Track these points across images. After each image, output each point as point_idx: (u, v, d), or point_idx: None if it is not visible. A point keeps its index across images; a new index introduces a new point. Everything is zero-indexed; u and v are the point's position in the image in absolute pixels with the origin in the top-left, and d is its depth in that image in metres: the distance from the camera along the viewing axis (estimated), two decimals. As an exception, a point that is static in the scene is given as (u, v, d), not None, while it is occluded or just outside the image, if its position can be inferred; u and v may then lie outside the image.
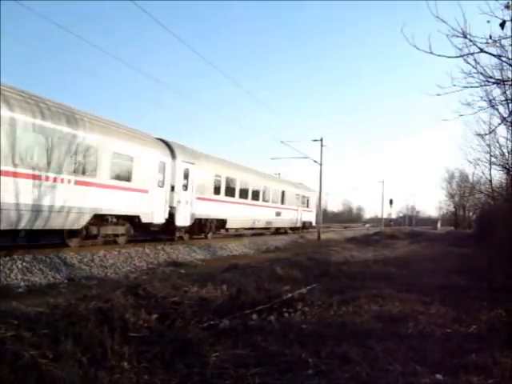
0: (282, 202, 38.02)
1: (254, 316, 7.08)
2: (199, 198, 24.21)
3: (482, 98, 11.68)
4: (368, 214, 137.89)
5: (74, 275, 13.13)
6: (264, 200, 34.06)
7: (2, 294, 9.79)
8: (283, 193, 38.32)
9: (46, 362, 4.72)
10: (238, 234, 33.40)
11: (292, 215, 40.58)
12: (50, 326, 5.84)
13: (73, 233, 16.15)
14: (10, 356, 4.76)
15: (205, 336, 6.02)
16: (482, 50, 8.05)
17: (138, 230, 20.29)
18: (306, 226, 44.92)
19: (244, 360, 5.29)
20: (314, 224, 47.47)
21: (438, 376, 4.82)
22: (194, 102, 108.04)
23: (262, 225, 34.43)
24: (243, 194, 30.30)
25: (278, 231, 39.22)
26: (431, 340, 6.16)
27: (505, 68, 10.76)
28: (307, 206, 45.36)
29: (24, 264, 12.67)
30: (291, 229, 41.50)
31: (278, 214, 36.87)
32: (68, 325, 5.86)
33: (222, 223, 27.52)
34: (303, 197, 44.05)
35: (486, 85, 9.68)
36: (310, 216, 46.76)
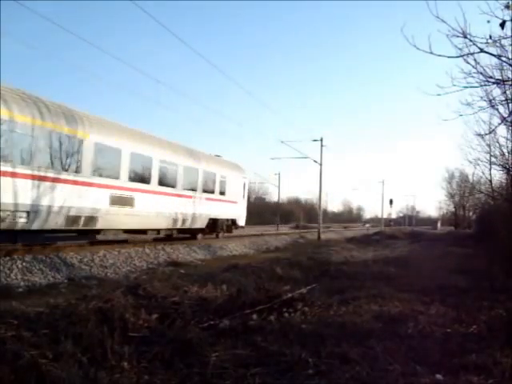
0: (144, 179, 19.92)
1: (254, 316, 7.07)
2: None
3: (481, 97, 11.64)
4: (368, 214, 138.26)
5: (74, 275, 13.15)
6: (68, 169, 15.59)
7: (2, 293, 9.79)
8: (147, 161, 20.13)
9: (46, 361, 4.72)
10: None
11: (176, 207, 22.21)
12: (50, 325, 5.85)
13: None
14: (10, 356, 4.77)
15: (205, 336, 6.01)
16: (482, 50, 8.04)
17: None
18: (220, 225, 27.23)
19: (244, 360, 5.28)
20: (241, 224, 30.29)
21: (438, 376, 4.82)
22: (193, 101, 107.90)
23: (60, 222, 15.29)
24: None
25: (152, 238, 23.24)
26: (431, 340, 6.16)
27: (505, 68, 10.74)
28: (223, 194, 27.20)
29: (24, 264, 12.68)
30: (182, 232, 24.48)
31: (119, 201, 18.04)
32: (68, 325, 5.87)
33: None
34: (213, 176, 26.23)
35: (486, 85, 9.66)
36: (232, 210, 28.57)
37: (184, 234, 25.01)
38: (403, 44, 8.48)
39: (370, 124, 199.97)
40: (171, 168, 22.15)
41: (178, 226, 23.04)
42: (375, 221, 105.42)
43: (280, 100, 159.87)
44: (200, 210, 24.69)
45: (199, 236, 25.89)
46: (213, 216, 26.17)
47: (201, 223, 25.16)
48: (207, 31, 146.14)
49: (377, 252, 25.02)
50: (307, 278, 12.16)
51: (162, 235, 22.80)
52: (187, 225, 23.76)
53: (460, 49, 8.10)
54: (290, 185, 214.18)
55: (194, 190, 24.17)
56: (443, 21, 7.78)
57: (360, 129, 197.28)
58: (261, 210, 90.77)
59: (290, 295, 8.21)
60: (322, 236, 39.40)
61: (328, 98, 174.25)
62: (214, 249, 22.34)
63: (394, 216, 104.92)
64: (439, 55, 7.88)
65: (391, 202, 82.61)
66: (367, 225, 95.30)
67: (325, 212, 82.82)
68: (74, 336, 5.47)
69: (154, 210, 20.44)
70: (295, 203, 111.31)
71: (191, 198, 23.86)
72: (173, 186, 22.24)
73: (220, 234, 27.98)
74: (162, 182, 21.22)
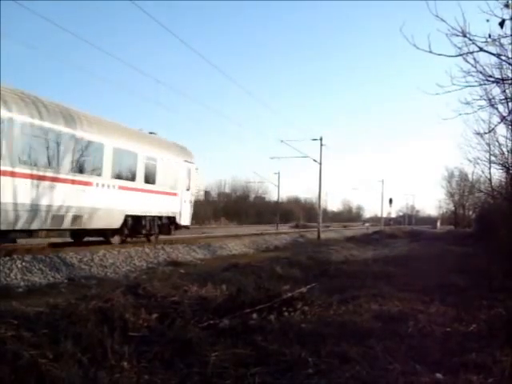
0: None
1: (254, 315, 7.07)
2: None
3: (481, 96, 11.66)
4: (368, 214, 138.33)
5: (74, 275, 13.15)
6: None
7: (2, 293, 9.79)
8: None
9: (46, 361, 4.72)
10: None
11: (59, 198, 15.43)
12: (49, 325, 5.85)
13: None
14: (10, 356, 4.76)
15: (205, 335, 6.01)
16: (481, 49, 8.07)
17: None
18: (147, 225, 20.87)
19: (244, 359, 5.28)
20: (184, 223, 23.74)
21: (438, 375, 4.82)
22: (193, 101, 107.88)
23: None
24: None
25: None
26: (431, 339, 6.16)
27: (504, 67, 10.78)
28: (151, 182, 20.75)
29: (24, 264, 12.68)
30: (83, 234, 19.02)
31: None
32: (68, 325, 5.87)
33: None
34: (133, 157, 19.58)
35: (485, 84, 9.71)
36: (168, 204, 22.18)
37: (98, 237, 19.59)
38: (403, 44, 8.51)
39: (370, 123, 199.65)
40: (48, 139, 15.07)
41: (66, 225, 16.14)
42: (375, 220, 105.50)
43: (280, 100, 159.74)
44: (107, 203, 17.80)
45: (115, 239, 19.20)
46: (132, 212, 19.36)
47: (110, 222, 18.27)
48: (207, 31, 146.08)
49: (376, 251, 25.08)
50: (307, 277, 12.17)
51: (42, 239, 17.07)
52: (83, 224, 16.82)
53: (459, 48, 8.14)
54: (290, 184, 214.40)
55: (95, 174, 17.25)
56: (443, 20, 7.81)
57: (360, 128, 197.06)
58: (260, 210, 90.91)
59: (289, 294, 8.20)
60: (322, 235, 39.38)
61: (328, 97, 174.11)
62: (214, 248, 22.34)
63: (393, 215, 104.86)
64: (439, 54, 7.90)
65: (391, 201, 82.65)
66: (367, 224, 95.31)
67: (324, 211, 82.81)
68: (73, 336, 5.47)
69: (9, 201, 13.55)
70: (295, 202, 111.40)
71: (90, 186, 16.88)
72: (52, 167, 15.20)
73: (153, 237, 21.95)
74: (28, 160, 14.35)
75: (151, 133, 22.92)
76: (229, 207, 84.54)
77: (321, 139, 40.21)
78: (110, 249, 16.69)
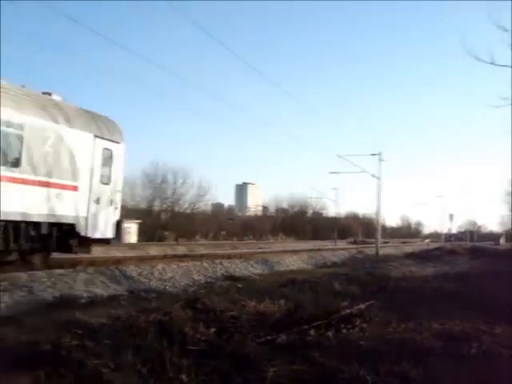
0: None
1: (312, 331, 7.02)
2: None
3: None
4: (427, 230, 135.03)
5: (134, 288, 13.39)
6: None
7: (67, 304, 10.11)
8: None
9: (108, 371, 4.86)
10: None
11: None
12: (111, 336, 6.01)
13: None
14: (74, 364, 4.95)
15: (262, 351, 6.00)
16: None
17: None
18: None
19: (301, 376, 5.24)
20: (96, 233, 15.36)
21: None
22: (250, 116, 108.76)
23: None
24: None
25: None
26: (497, 362, 5.92)
27: None
28: (8, 163, 12.51)
29: (87, 276, 13.05)
30: None
31: None
32: (128, 336, 6.01)
33: None
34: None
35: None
36: (59, 203, 13.95)
37: None
38: (467, 58, 8.34)
39: (432, 136, 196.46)
40: None
41: None
42: (435, 236, 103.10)
43: (339, 114, 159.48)
44: None
45: None
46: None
47: None
48: (262, 44, 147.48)
49: (437, 268, 24.39)
50: (365, 293, 11.95)
51: None
52: None
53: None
54: (348, 199, 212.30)
55: None
56: (506, 29, 7.62)
57: (421, 145, 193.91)
58: (318, 225, 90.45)
59: (348, 311, 8.11)
60: (380, 251, 38.71)
61: (388, 114, 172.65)
62: (271, 263, 22.34)
63: (454, 231, 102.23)
64: (502, 65, 7.71)
65: (451, 216, 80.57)
66: (427, 240, 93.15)
67: (383, 227, 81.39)
68: (134, 347, 5.60)
69: None
70: (353, 218, 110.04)
71: None
72: None
73: (38, 257, 14.27)
74: None
75: (45, 93, 15.05)
76: (286, 223, 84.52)
77: (380, 154, 39.77)
78: (169, 263, 16.97)
